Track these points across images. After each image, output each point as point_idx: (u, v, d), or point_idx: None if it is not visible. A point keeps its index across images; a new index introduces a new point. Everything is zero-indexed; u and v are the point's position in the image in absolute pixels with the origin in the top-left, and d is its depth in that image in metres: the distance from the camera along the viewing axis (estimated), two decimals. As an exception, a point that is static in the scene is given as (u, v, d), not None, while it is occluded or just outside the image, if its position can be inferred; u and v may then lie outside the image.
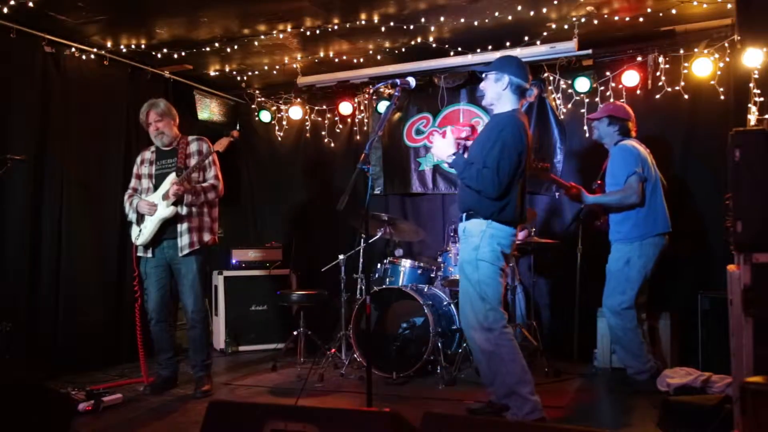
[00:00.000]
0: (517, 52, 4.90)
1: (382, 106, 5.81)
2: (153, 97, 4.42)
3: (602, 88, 5.13)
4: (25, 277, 4.49)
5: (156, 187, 4.17)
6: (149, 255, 4.17)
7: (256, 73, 5.78)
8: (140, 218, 4.15)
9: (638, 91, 4.95)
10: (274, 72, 5.76)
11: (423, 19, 4.61)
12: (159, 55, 5.21)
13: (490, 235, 3.29)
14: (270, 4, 4.35)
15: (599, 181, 4.37)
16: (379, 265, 5.03)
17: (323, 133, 6.27)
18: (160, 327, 4.23)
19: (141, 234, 4.14)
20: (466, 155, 3.45)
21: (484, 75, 3.50)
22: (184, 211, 4.09)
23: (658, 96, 4.86)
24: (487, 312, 3.26)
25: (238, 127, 6.60)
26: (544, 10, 4.42)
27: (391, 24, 4.66)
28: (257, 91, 6.35)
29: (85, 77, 4.98)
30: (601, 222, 4.35)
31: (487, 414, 3.40)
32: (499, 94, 3.41)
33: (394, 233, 5.10)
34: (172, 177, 4.10)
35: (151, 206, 4.08)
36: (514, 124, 3.29)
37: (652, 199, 4.02)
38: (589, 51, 4.85)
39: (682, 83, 4.80)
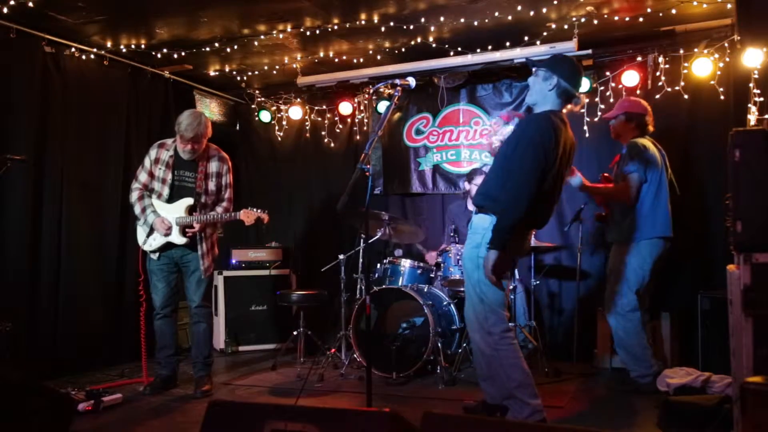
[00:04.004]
0: (517, 52, 4.90)
1: (382, 106, 5.81)
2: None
3: (602, 88, 5.13)
4: (25, 277, 4.49)
5: (170, 197, 4.12)
6: (155, 257, 4.19)
7: (256, 73, 5.77)
8: (151, 229, 4.14)
9: (638, 91, 4.95)
10: (274, 72, 5.76)
11: (423, 19, 4.61)
12: (159, 55, 5.21)
13: None
14: (270, 4, 4.35)
15: (605, 174, 4.36)
16: (379, 265, 5.02)
17: (323, 133, 6.26)
18: (165, 321, 4.23)
19: (148, 243, 4.15)
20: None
21: (534, 70, 3.25)
22: (198, 236, 4.13)
23: (658, 96, 4.86)
24: (487, 314, 3.16)
25: (237, 127, 6.61)
26: (544, 10, 4.42)
27: (391, 24, 4.66)
28: (257, 91, 6.35)
29: (85, 77, 4.98)
30: (604, 214, 4.34)
31: (481, 413, 3.39)
32: (544, 94, 3.16)
33: (394, 235, 5.09)
34: (188, 202, 4.08)
35: (167, 228, 4.06)
36: (542, 120, 3.08)
37: (656, 202, 3.97)
38: (589, 51, 4.84)
39: (682, 83, 4.80)
